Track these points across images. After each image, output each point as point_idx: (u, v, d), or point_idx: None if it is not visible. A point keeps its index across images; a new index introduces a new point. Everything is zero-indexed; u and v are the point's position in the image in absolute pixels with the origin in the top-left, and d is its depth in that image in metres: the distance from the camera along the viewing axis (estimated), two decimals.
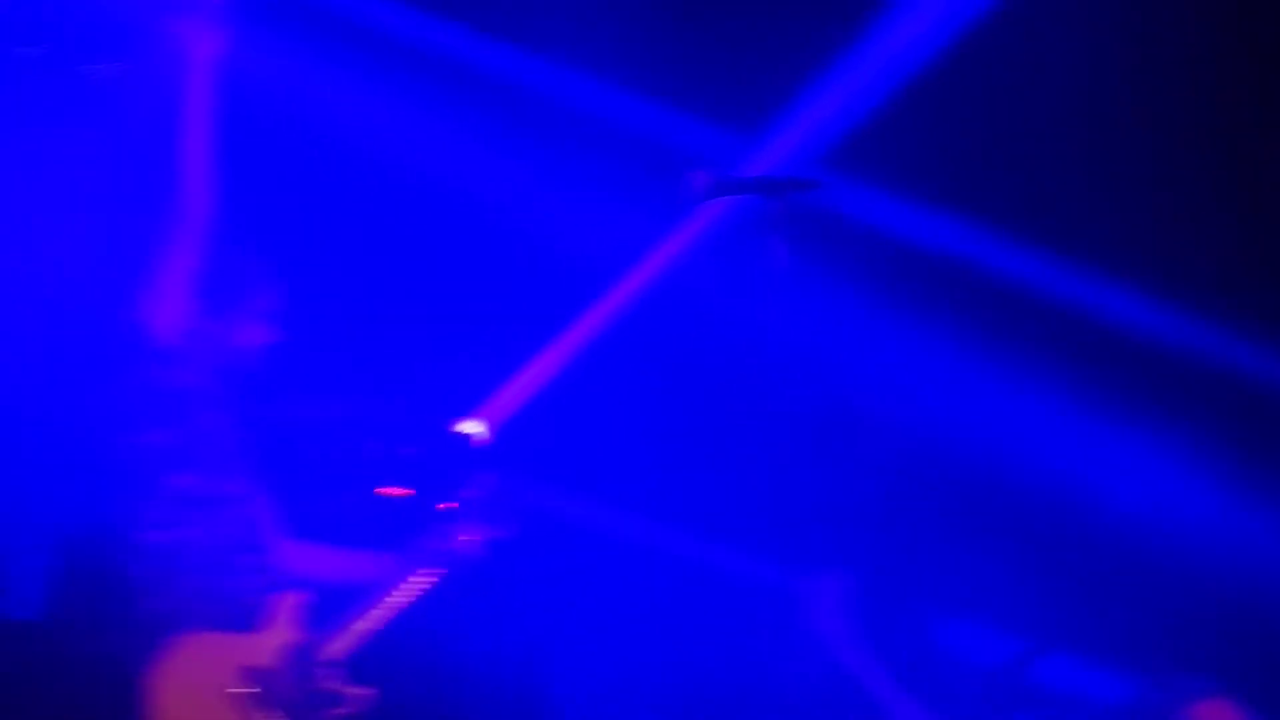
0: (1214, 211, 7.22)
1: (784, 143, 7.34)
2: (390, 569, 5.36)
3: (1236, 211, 7.22)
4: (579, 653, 7.41)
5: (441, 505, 6.18)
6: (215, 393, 5.14)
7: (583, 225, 7.44)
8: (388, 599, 5.29)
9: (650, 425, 7.65)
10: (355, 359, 7.25)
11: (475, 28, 7.50)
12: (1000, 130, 7.41)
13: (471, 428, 6.61)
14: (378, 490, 6.40)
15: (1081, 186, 7.34)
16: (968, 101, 7.42)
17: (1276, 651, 6.18)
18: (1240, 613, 6.59)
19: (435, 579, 5.36)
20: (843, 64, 7.35)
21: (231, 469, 5.13)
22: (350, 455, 6.70)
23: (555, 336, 7.53)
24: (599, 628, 7.56)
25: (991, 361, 7.17)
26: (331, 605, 5.21)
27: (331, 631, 5.18)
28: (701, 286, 7.39)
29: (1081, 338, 7.26)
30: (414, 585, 5.34)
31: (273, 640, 5.04)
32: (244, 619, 5.02)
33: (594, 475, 7.52)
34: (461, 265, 7.61)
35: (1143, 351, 7.24)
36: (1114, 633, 7.04)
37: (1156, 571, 7.05)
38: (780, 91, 7.41)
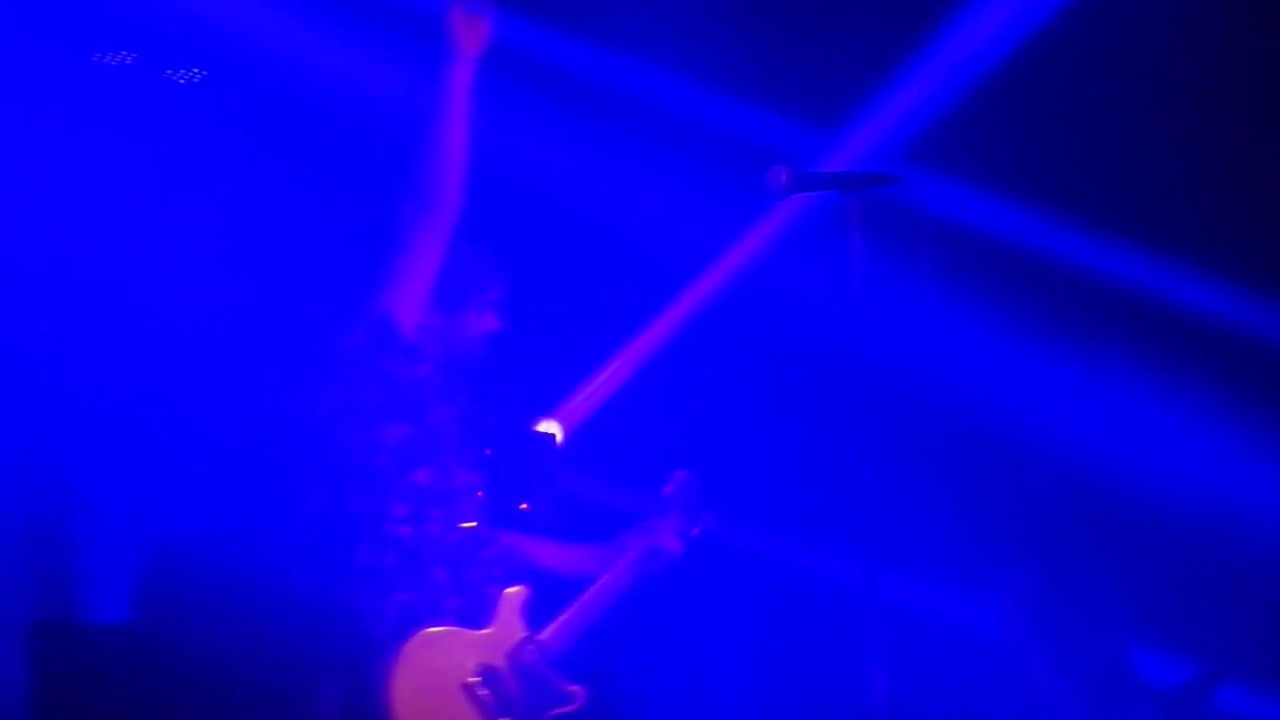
0: None
1: (864, 138, 7.30)
2: (602, 562, 5.36)
3: None
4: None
5: (523, 505, 6.17)
6: (446, 386, 5.19)
7: (664, 222, 7.43)
8: (598, 595, 5.29)
9: (730, 424, 7.63)
10: None
11: (559, 27, 7.49)
12: (1079, 122, 7.35)
13: (549, 428, 6.59)
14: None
15: (1160, 177, 7.26)
16: (1044, 95, 7.36)
17: None
18: None
19: (640, 575, 5.36)
20: (921, 59, 7.31)
21: (462, 462, 5.18)
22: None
23: (637, 334, 7.51)
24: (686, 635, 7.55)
25: (1090, 363, 7.13)
26: (547, 601, 5.23)
27: (549, 627, 5.19)
28: (783, 283, 7.36)
29: (1182, 337, 7.19)
30: (621, 581, 5.34)
31: (503, 636, 5.07)
32: (479, 614, 5.06)
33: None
34: (544, 264, 7.61)
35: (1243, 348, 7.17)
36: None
37: None
38: (860, 87, 7.37)
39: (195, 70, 7.18)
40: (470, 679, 4.97)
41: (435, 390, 5.16)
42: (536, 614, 5.16)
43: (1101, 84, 7.20)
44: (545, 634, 5.16)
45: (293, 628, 5.51)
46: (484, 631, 5.06)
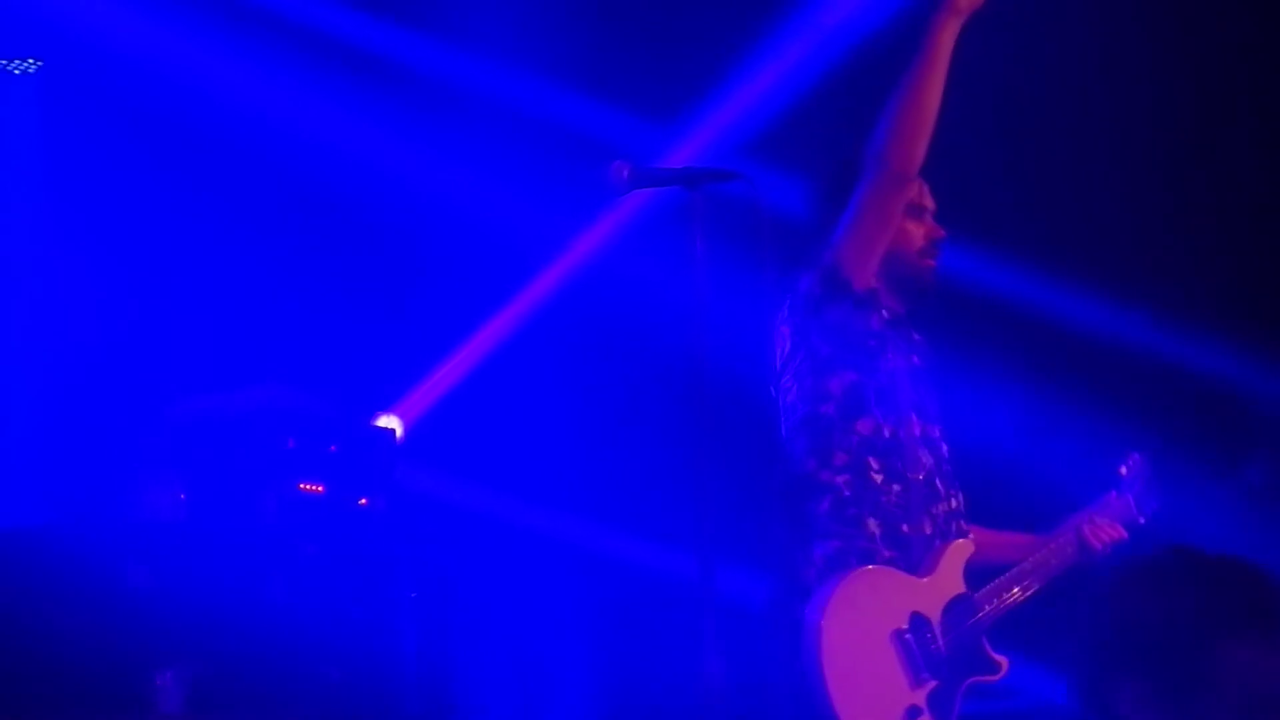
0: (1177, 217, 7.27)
1: (706, 133, 7.32)
2: (1043, 546, 5.21)
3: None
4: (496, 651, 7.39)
5: (362, 500, 6.13)
6: (899, 334, 5.17)
7: (506, 217, 7.41)
8: (1037, 568, 5.17)
9: (571, 419, 7.62)
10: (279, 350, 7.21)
11: (398, 21, 7.46)
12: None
13: (388, 422, 6.56)
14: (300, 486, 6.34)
15: (1003, 177, 7.35)
16: (887, 93, 7.42)
17: None
18: None
19: (1077, 558, 5.21)
20: (764, 55, 7.34)
21: (917, 412, 5.13)
22: None
23: (475, 329, 7.49)
24: (511, 623, 7.53)
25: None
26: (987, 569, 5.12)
27: (988, 588, 5.07)
28: (623, 278, 7.36)
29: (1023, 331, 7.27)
30: (1063, 560, 5.20)
31: (942, 587, 4.98)
32: (916, 567, 4.97)
33: (513, 470, 7.49)
34: (381, 258, 7.57)
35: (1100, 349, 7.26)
36: None
37: None
38: (703, 82, 7.39)
39: (31, 61, 7.08)
40: (900, 625, 4.90)
41: (888, 339, 5.12)
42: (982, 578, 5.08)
43: (950, 82, 7.26)
44: (983, 596, 5.06)
45: (129, 622, 5.46)
46: (924, 579, 4.98)
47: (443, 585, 6.35)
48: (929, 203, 5.32)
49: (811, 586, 4.88)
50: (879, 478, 5.02)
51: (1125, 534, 5.27)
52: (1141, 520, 5.33)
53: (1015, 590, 5.10)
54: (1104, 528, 5.25)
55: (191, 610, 5.49)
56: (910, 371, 5.19)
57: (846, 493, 4.99)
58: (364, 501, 6.25)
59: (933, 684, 4.91)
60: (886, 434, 5.05)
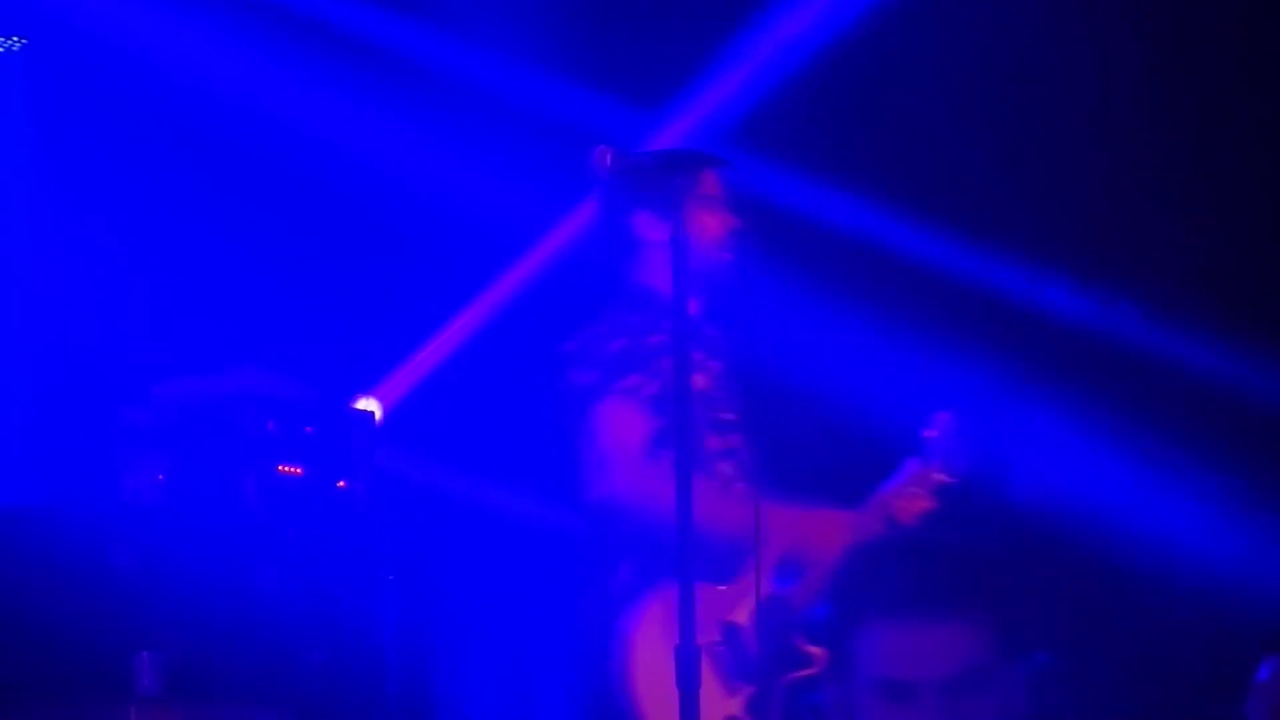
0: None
1: (689, 119, 7.32)
2: (852, 524, 5.17)
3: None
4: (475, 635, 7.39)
5: (340, 483, 6.12)
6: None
7: (487, 202, 7.40)
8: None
9: (551, 403, 7.61)
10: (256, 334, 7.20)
11: (379, 5, 7.45)
12: (907, 109, 7.41)
13: (368, 405, 6.55)
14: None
15: (990, 168, 7.36)
16: (874, 78, 7.42)
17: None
18: None
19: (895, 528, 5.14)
20: (749, 39, 7.33)
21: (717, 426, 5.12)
22: None
23: (455, 314, 7.48)
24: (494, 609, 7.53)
25: (893, 337, 7.19)
26: (794, 561, 5.11)
27: (795, 588, 5.06)
28: (602, 262, 7.36)
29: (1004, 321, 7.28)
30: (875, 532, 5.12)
31: (747, 593, 4.95)
32: (723, 570, 4.95)
33: (492, 453, 7.48)
34: (362, 242, 7.56)
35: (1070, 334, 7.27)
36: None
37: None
38: (686, 67, 7.38)
39: (15, 39, 7.05)
40: (712, 638, 4.85)
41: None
42: (790, 574, 5.07)
43: (931, 70, 7.27)
44: (790, 592, 5.05)
45: (111, 603, 5.46)
46: (727, 587, 4.96)
47: (422, 568, 6.35)
48: (724, 193, 5.30)
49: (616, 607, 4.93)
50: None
51: (932, 502, 5.20)
52: (953, 481, 5.25)
53: (822, 581, 5.07)
54: (911, 499, 5.21)
55: (170, 592, 5.48)
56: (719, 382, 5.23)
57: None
58: (343, 484, 6.24)
59: (749, 690, 4.93)
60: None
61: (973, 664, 2.69)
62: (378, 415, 6.59)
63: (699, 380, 5.12)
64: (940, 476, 5.25)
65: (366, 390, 6.90)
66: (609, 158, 4.47)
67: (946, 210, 7.29)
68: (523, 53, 7.49)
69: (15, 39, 7.00)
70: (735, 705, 4.89)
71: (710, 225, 5.23)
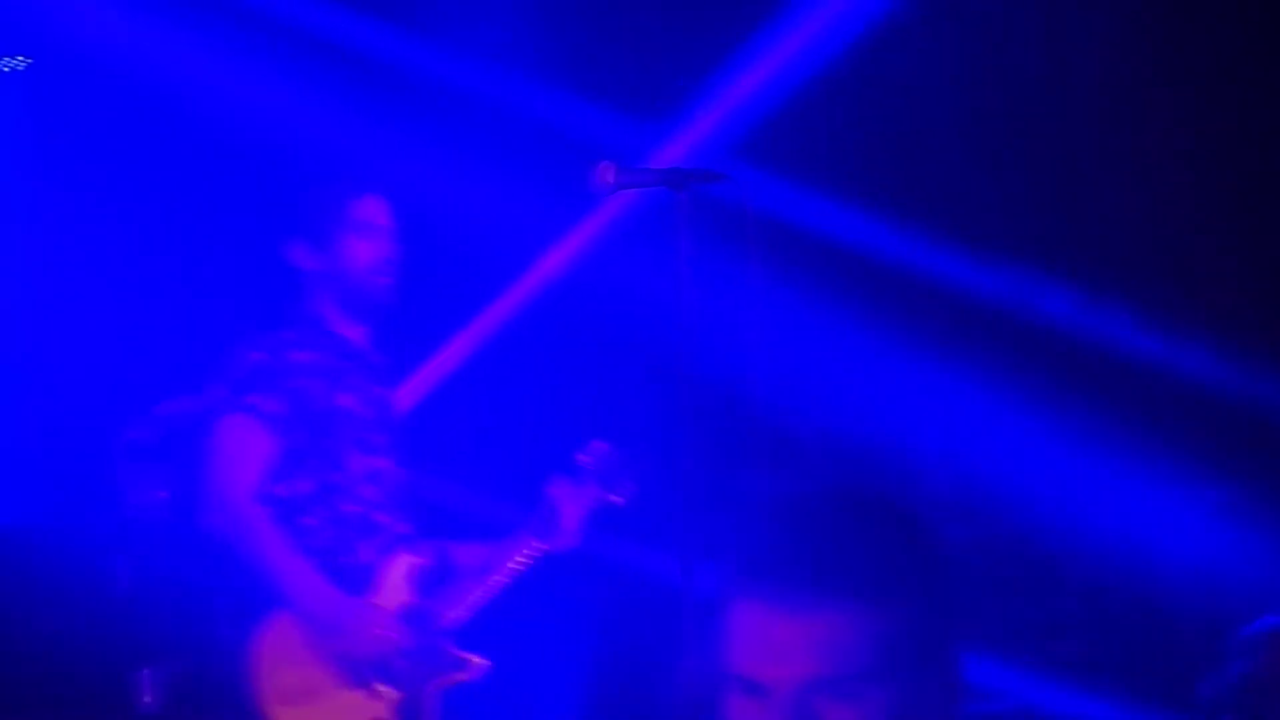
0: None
1: (692, 134, 7.31)
2: (505, 548, 5.27)
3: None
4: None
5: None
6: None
7: (490, 217, 7.40)
8: (503, 568, 5.22)
9: (553, 418, 7.61)
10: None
11: (381, 19, 7.44)
12: (913, 123, 7.41)
13: None
14: None
15: (993, 178, 7.35)
16: (878, 93, 7.42)
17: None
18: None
19: (547, 548, 5.26)
20: (753, 55, 7.33)
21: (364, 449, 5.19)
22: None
23: (461, 329, 7.48)
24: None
25: (900, 353, 7.18)
26: (445, 572, 5.20)
27: (446, 598, 5.09)
28: (608, 279, 7.36)
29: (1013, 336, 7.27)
30: (528, 554, 5.25)
31: (387, 604, 5.02)
32: (359, 583, 5.02)
33: (495, 467, 7.48)
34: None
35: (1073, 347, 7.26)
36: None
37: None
38: (689, 82, 7.38)
39: (20, 59, 7.05)
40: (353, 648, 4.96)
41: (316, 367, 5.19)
42: (439, 585, 5.14)
43: (935, 86, 7.27)
44: (438, 602, 5.10)
45: (112, 620, 5.46)
46: (364, 599, 5.01)
47: None
48: (383, 220, 5.35)
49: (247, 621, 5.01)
50: (312, 522, 5.07)
51: (580, 524, 5.28)
52: (618, 501, 5.38)
53: (478, 591, 5.16)
54: (566, 517, 5.28)
55: (172, 608, 5.48)
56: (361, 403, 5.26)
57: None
58: None
59: (394, 694, 4.97)
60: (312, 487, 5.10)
61: (852, 666, 2.18)
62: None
63: (345, 400, 5.18)
64: (599, 495, 5.35)
65: None
66: (612, 173, 4.47)
67: (943, 219, 7.30)
68: (527, 66, 7.49)
69: (20, 58, 7.01)
70: (379, 709, 4.97)
71: (364, 252, 5.26)
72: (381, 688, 4.97)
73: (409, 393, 6.66)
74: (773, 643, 2.18)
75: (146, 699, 5.26)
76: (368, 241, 5.33)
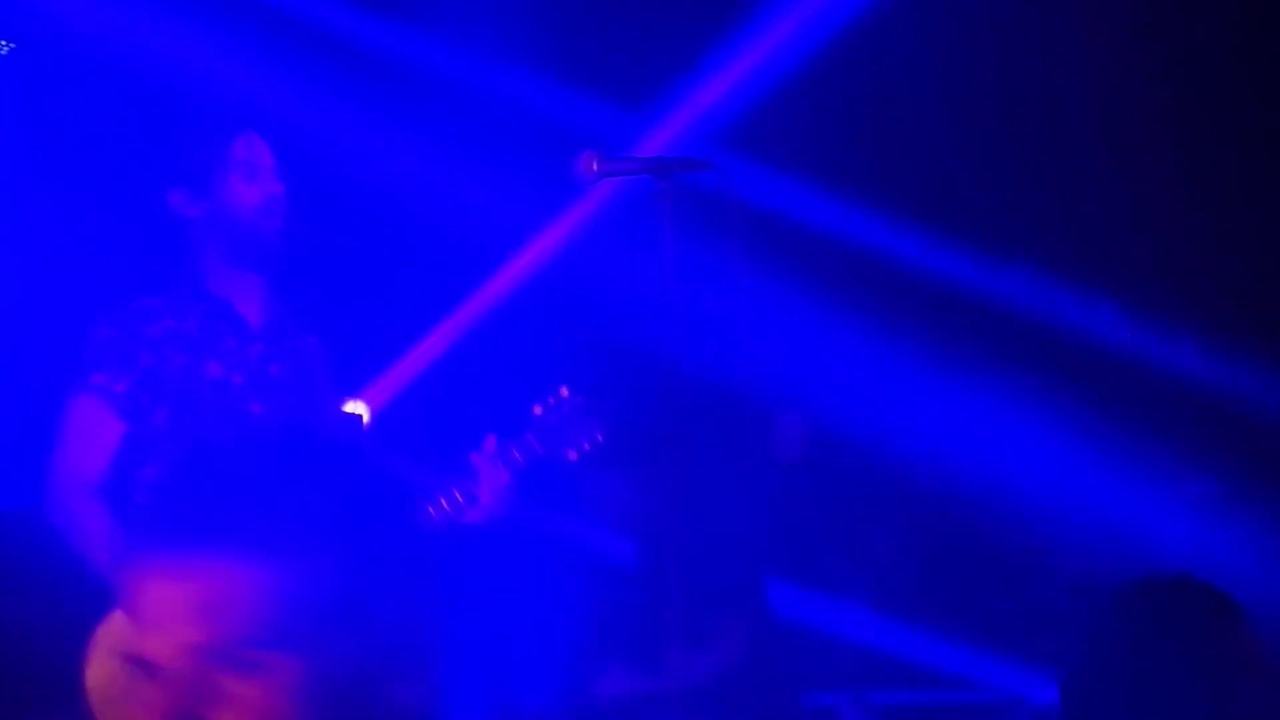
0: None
1: (676, 123, 7.32)
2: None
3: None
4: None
5: None
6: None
7: (473, 206, 7.39)
8: None
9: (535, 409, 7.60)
10: None
11: (365, 5, 7.43)
12: (897, 114, 7.42)
13: (354, 408, 6.54)
14: None
15: (976, 169, 7.36)
16: (863, 82, 7.42)
17: None
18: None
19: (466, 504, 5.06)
20: (736, 42, 7.33)
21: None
22: None
23: (443, 316, 7.47)
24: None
25: (884, 344, 7.19)
26: None
27: None
28: (592, 268, 7.36)
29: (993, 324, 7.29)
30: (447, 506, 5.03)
31: None
32: None
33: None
34: (348, 245, 7.54)
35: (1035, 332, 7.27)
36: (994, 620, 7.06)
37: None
38: (673, 70, 7.38)
39: (3, 43, 7.03)
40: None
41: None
42: None
43: (921, 75, 7.29)
44: None
45: (92, 612, 5.44)
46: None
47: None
48: (266, 158, 5.11)
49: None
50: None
51: (498, 494, 5.05)
52: (571, 455, 5.19)
53: None
54: (485, 487, 5.06)
55: None
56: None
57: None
58: None
59: None
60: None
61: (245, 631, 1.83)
62: (365, 418, 6.59)
63: (214, 369, 4.92)
64: (550, 447, 5.14)
65: (353, 393, 6.89)
66: (595, 162, 4.47)
67: (928, 210, 7.31)
68: (511, 54, 7.48)
69: (4, 43, 6.98)
70: None
71: (248, 194, 5.03)
72: None
73: (388, 385, 6.68)
74: (155, 609, 1.84)
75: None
76: (251, 182, 5.06)
